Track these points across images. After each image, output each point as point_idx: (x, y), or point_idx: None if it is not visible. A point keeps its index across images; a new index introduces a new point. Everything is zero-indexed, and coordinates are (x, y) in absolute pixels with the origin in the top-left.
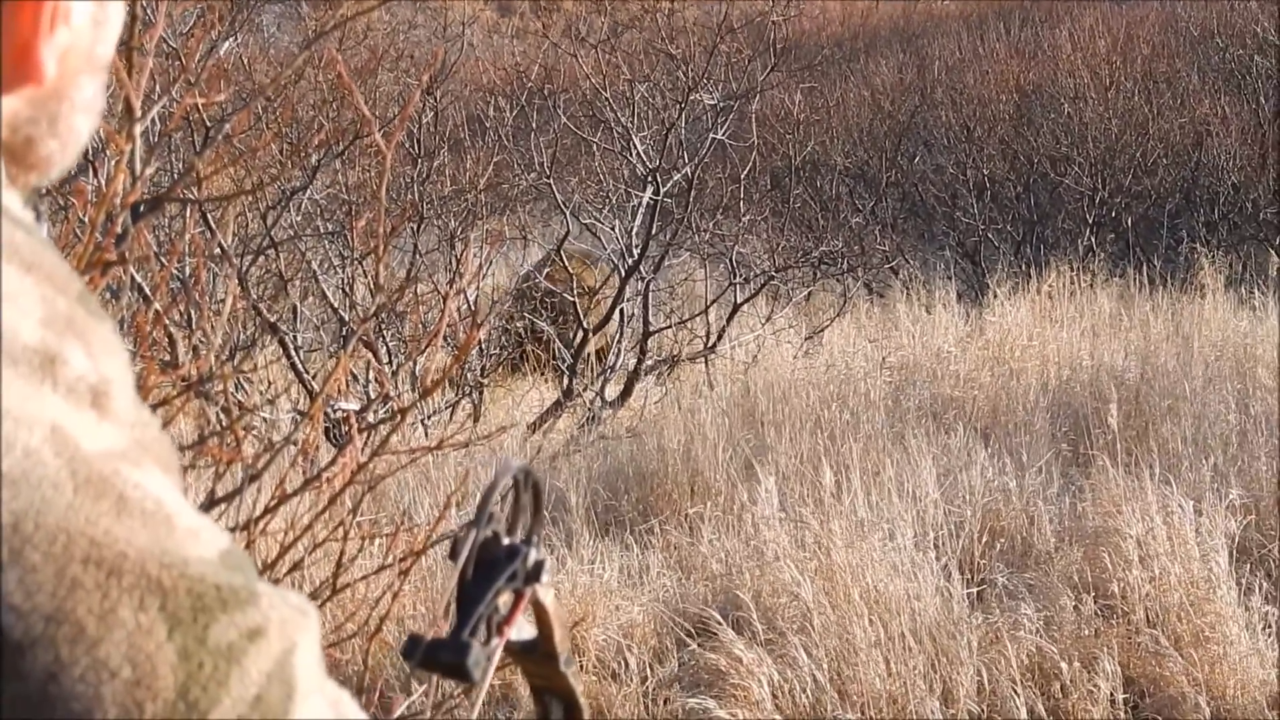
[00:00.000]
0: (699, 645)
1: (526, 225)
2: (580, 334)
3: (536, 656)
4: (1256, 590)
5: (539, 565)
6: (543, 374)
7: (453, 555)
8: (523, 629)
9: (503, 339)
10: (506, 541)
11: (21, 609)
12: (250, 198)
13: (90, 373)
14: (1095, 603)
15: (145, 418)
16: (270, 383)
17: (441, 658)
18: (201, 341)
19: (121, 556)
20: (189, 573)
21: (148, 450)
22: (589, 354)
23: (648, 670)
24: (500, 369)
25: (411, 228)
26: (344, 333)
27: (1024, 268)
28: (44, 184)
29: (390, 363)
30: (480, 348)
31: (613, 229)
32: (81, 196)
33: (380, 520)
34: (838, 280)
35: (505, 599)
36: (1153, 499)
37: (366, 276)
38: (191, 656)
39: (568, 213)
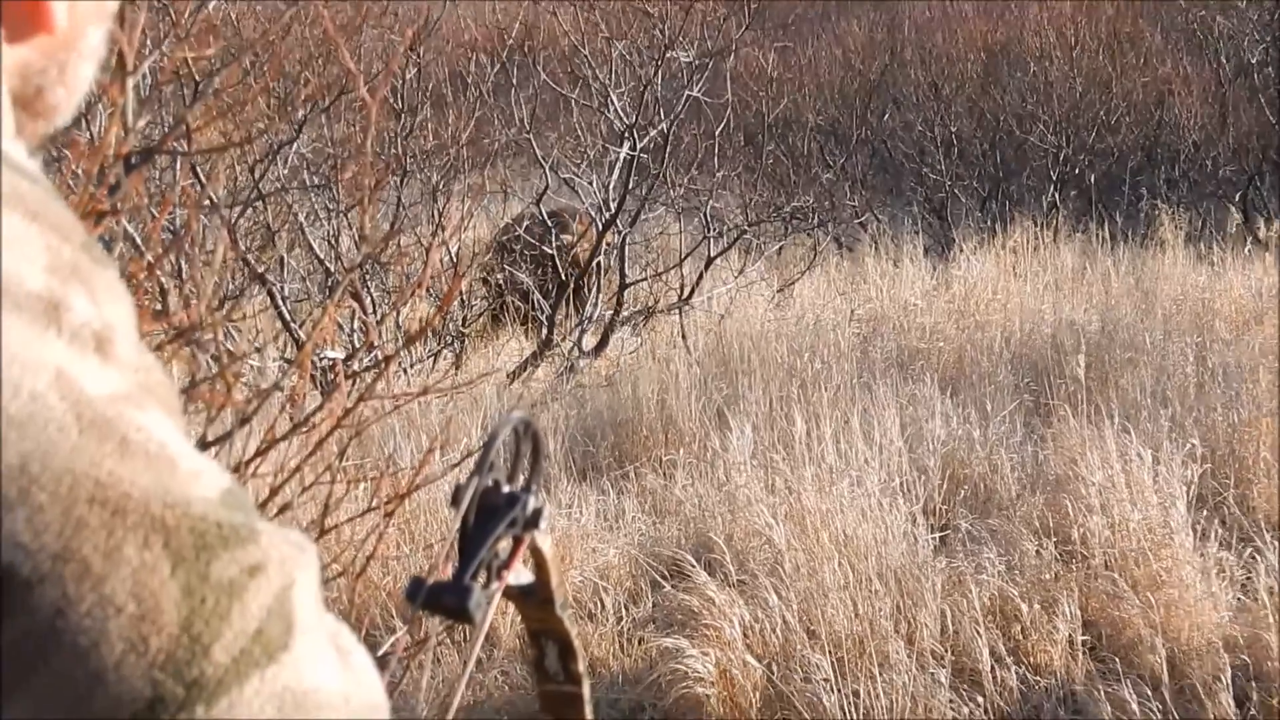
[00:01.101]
0: (673, 587)
1: (507, 180)
2: (558, 286)
3: (534, 601)
4: (1212, 536)
5: (538, 512)
6: (523, 325)
7: (454, 502)
8: (521, 574)
9: (484, 290)
10: (507, 489)
11: (29, 547)
12: (239, 151)
13: (94, 319)
14: (1055, 548)
15: (148, 362)
16: (259, 331)
17: (444, 600)
18: (192, 291)
19: (126, 496)
20: (191, 512)
21: (151, 393)
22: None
23: (623, 610)
24: (481, 319)
25: (395, 181)
26: (330, 283)
27: (989, 223)
28: (50, 131)
29: (375, 312)
30: (462, 299)
31: (590, 184)
32: (75, 148)
33: (365, 464)
34: (808, 235)
35: (505, 545)
36: (1112, 448)
37: (352, 228)
38: (194, 592)
39: (547, 168)
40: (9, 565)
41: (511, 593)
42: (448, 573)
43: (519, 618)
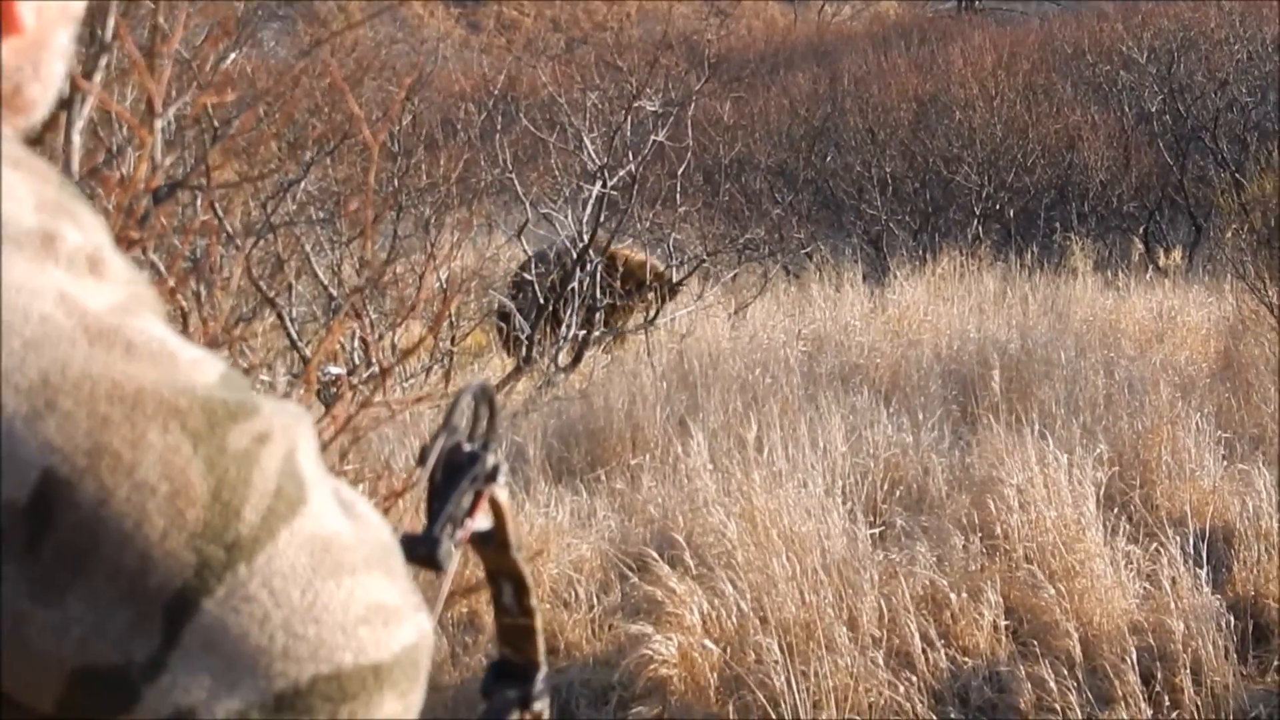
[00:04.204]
0: (639, 578)
1: (491, 214)
2: (536, 309)
3: (492, 545)
4: (1120, 532)
5: (496, 468)
6: (506, 344)
7: (421, 461)
8: (480, 522)
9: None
10: (468, 448)
11: (65, 450)
12: (253, 187)
13: (85, 244)
14: (981, 542)
15: (135, 274)
16: (269, 349)
17: (417, 550)
18: (210, 312)
19: (140, 390)
20: (199, 395)
21: (143, 301)
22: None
23: (595, 600)
24: (470, 338)
25: (392, 216)
26: (333, 306)
27: (920, 253)
28: (29, 126)
29: (374, 332)
30: (451, 319)
31: (566, 218)
32: (108, 183)
33: (363, 468)
34: (760, 263)
35: (468, 498)
36: (1031, 452)
37: (353, 257)
38: (216, 464)
39: (527, 203)
40: (49, 469)
41: (474, 539)
42: (418, 525)
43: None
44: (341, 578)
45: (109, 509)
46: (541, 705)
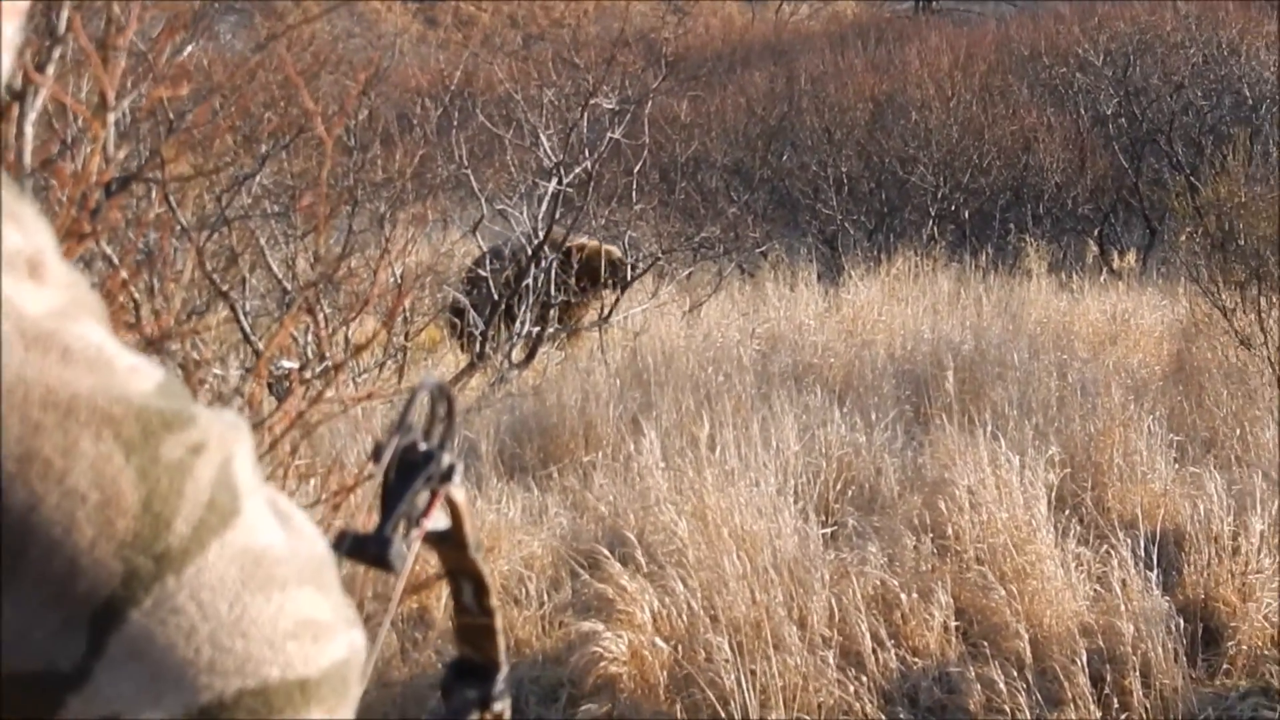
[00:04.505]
0: (590, 576)
1: (447, 210)
2: (490, 305)
3: (450, 545)
4: (1071, 534)
5: (452, 467)
6: (460, 340)
7: (375, 459)
8: (438, 521)
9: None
10: (423, 447)
11: None
12: (207, 181)
13: (25, 246)
14: (932, 543)
15: (76, 278)
16: (221, 342)
17: (368, 549)
18: (162, 305)
19: (75, 397)
20: (134, 403)
21: (82, 306)
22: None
23: (545, 597)
24: (424, 333)
25: (347, 210)
26: (286, 300)
27: (875, 253)
28: None
29: (327, 326)
30: (405, 314)
31: (522, 214)
32: (61, 176)
33: (315, 462)
34: (714, 262)
35: (423, 497)
36: (983, 453)
37: (307, 252)
38: (148, 474)
39: (483, 199)
40: None
41: (430, 539)
42: (371, 525)
43: (452, 604)
44: (271, 592)
45: (38, 516)
46: (502, 705)
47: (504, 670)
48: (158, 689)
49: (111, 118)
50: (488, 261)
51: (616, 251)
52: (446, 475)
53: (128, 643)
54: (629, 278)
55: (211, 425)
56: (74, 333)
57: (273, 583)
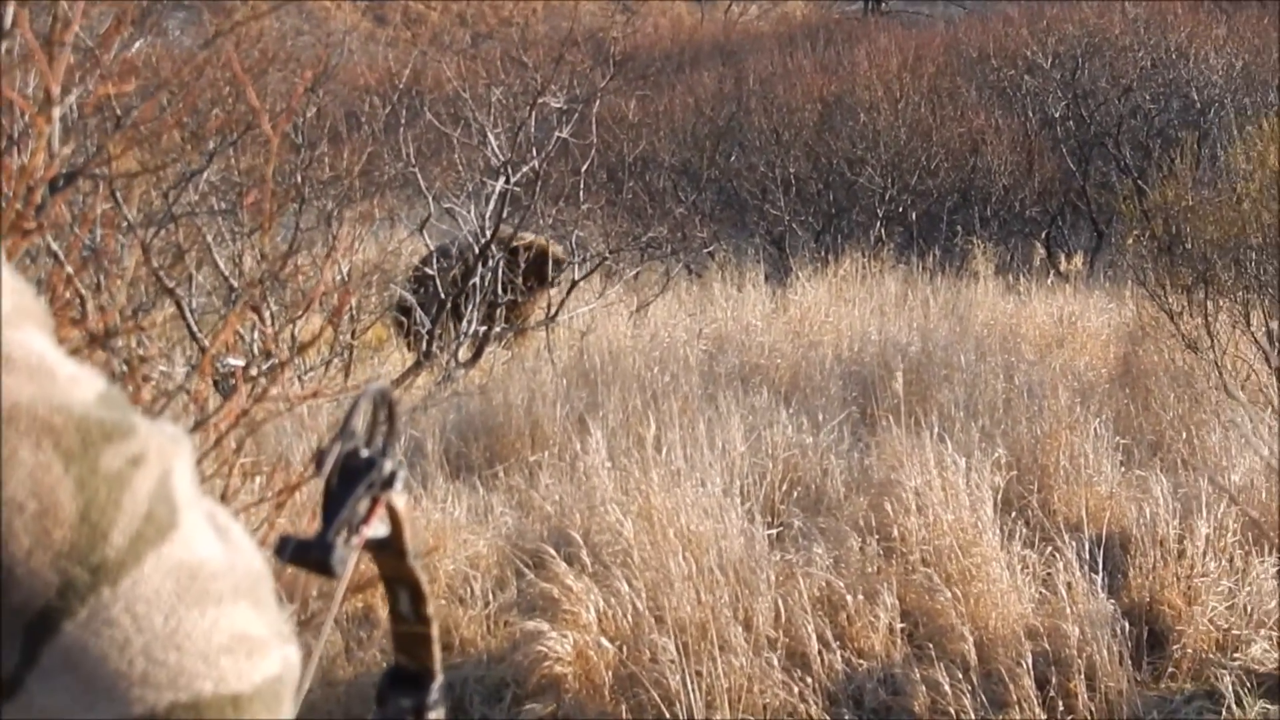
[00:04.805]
0: (535, 575)
1: (394, 208)
2: (437, 304)
3: (389, 552)
4: (1016, 536)
5: (393, 474)
6: (406, 338)
7: (318, 465)
8: (378, 529)
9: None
10: (365, 454)
11: None
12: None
13: None
14: (878, 544)
15: (20, 285)
16: (167, 339)
17: (309, 555)
18: (107, 301)
19: (15, 406)
20: (74, 413)
21: (25, 313)
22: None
23: (491, 596)
24: (370, 332)
25: (294, 208)
26: (232, 297)
27: (823, 254)
28: None
29: (273, 324)
30: (351, 313)
31: (469, 213)
32: (6, 171)
33: (260, 461)
34: (662, 261)
35: (364, 504)
36: (930, 455)
37: (254, 249)
38: (87, 485)
39: (430, 198)
40: None
41: (370, 545)
42: (312, 529)
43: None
44: (206, 606)
45: None
46: (437, 714)
47: (439, 679)
48: (90, 700)
49: (56, 113)
50: (435, 260)
51: (559, 249)
52: (388, 482)
53: (61, 654)
54: (575, 276)
55: (151, 437)
56: (15, 340)
57: (208, 597)
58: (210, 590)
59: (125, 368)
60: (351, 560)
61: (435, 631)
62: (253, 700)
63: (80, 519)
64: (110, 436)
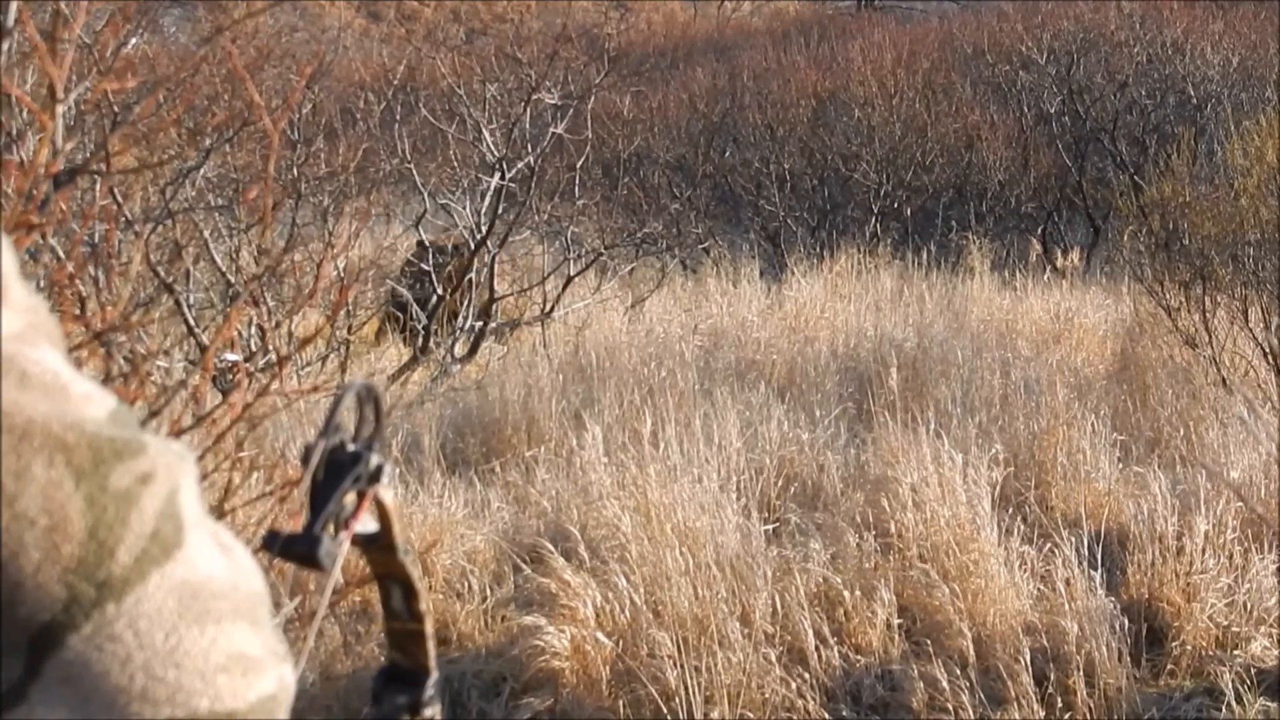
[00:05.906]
0: (532, 570)
1: (390, 204)
2: (434, 299)
3: (378, 548)
4: (1014, 532)
5: (380, 468)
6: (402, 334)
7: (304, 460)
8: (367, 524)
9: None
10: (351, 448)
11: None
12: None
13: None
14: (875, 540)
15: (35, 303)
16: (166, 335)
17: (296, 549)
18: (108, 298)
19: (29, 422)
20: (87, 430)
21: (40, 330)
22: (442, 316)
23: (488, 591)
24: (365, 327)
25: (291, 204)
26: (231, 293)
27: (818, 250)
28: None
29: (271, 319)
30: (348, 308)
31: (464, 209)
32: (9, 168)
33: (260, 456)
34: (657, 257)
35: (351, 498)
36: (926, 451)
37: (251, 245)
38: (96, 502)
39: (426, 194)
40: None
41: (358, 541)
42: (299, 525)
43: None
44: (206, 625)
45: None
46: (432, 711)
47: (434, 675)
48: (89, 713)
49: (59, 111)
50: (431, 256)
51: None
52: (374, 476)
53: (64, 667)
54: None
55: (160, 456)
56: (31, 357)
57: (208, 616)
58: (211, 609)
59: (126, 364)
60: (340, 554)
61: (429, 628)
62: (247, 718)
63: (89, 535)
64: (121, 454)
